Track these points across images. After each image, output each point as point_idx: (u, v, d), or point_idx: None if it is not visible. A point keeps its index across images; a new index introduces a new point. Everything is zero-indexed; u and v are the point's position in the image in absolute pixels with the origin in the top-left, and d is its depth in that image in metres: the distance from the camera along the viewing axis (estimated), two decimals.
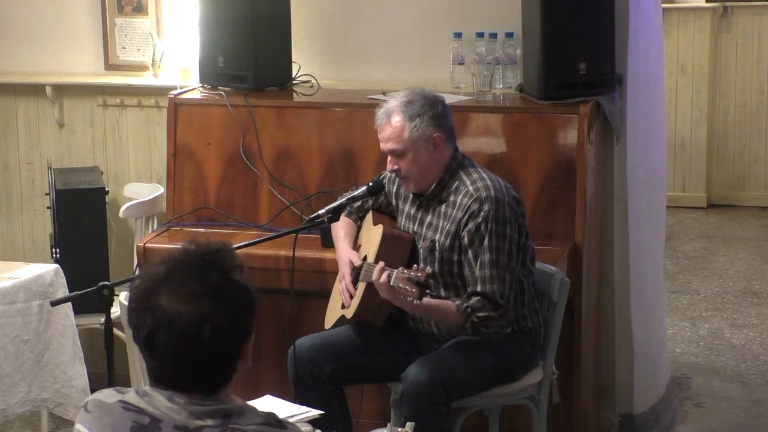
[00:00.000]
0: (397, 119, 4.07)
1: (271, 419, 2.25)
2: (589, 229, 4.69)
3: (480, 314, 3.96)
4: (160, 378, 2.26)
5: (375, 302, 4.00)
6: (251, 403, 2.34)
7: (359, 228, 4.40)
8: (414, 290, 3.75)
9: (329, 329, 4.28)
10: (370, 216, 4.36)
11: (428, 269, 3.83)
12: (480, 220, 3.99)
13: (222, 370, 2.25)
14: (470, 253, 3.99)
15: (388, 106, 4.12)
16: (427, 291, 3.90)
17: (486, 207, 3.99)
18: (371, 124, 4.23)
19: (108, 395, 2.30)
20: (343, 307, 4.19)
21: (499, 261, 3.97)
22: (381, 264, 3.88)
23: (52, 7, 5.70)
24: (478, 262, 3.97)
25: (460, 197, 4.06)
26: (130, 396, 2.27)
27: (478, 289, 3.96)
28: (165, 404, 2.23)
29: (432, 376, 3.91)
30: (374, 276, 3.87)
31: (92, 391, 4.02)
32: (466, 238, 4.01)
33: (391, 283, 3.81)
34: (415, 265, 3.90)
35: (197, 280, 2.22)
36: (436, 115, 4.07)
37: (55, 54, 5.73)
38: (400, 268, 3.82)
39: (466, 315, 3.97)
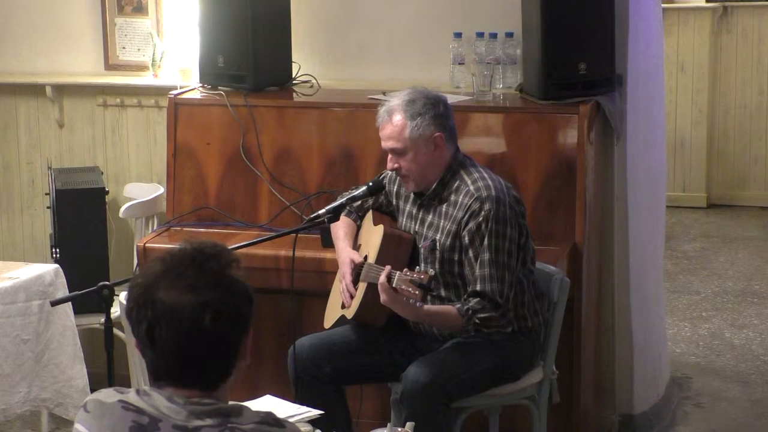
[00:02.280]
0: (398, 118, 4.07)
1: (269, 418, 2.26)
2: (589, 229, 4.69)
3: (481, 315, 3.96)
4: (160, 373, 2.26)
5: (376, 303, 3.99)
6: (251, 403, 2.34)
7: (359, 228, 4.39)
8: (416, 292, 3.75)
9: (329, 329, 4.28)
10: (370, 216, 4.36)
11: (430, 271, 3.82)
12: (480, 219, 3.99)
13: (222, 363, 2.26)
14: (470, 253, 4.00)
15: (390, 104, 4.12)
16: (430, 292, 3.90)
17: (487, 206, 3.99)
18: (371, 124, 4.24)
19: (108, 395, 2.30)
20: (343, 306, 4.19)
21: (498, 260, 3.97)
22: (388, 267, 3.88)
23: (52, 8, 5.70)
24: (478, 261, 3.97)
25: (461, 197, 4.06)
26: (130, 396, 2.27)
27: (478, 288, 3.96)
28: (165, 404, 2.23)
29: (432, 376, 3.91)
30: (381, 278, 3.86)
31: (92, 391, 4.01)
32: (466, 238, 4.01)
33: (393, 285, 3.81)
34: (417, 267, 3.90)
35: (195, 271, 2.24)
36: (438, 114, 4.08)
37: (55, 54, 5.73)
38: (404, 270, 3.82)
39: (467, 318, 3.96)
